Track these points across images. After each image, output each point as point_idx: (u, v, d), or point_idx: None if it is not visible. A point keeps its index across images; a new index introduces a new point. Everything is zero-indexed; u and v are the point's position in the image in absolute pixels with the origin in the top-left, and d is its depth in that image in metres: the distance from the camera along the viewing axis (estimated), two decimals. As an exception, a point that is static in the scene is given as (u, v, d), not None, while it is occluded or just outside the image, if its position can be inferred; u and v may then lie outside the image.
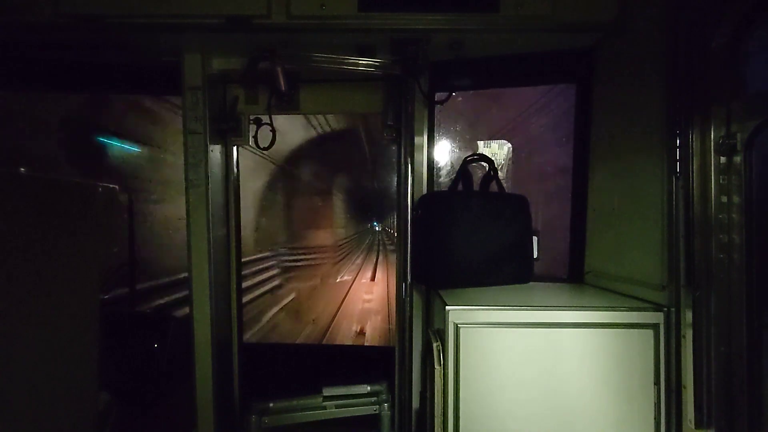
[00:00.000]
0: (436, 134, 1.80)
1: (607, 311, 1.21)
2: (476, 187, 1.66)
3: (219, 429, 1.70)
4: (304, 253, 10.03)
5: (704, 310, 1.07)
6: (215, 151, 1.69)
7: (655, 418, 1.18)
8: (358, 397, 1.75)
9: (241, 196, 1.91)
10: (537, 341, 1.20)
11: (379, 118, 1.76)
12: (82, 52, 1.69)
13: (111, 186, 1.06)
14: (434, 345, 1.30)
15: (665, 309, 1.18)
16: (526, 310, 1.22)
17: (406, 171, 1.62)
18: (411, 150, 1.62)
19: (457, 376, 1.19)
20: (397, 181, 1.71)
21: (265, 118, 1.73)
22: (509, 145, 2.96)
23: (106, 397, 1.52)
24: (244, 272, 2.09)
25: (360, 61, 1.56)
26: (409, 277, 1.62)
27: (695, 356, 1.08)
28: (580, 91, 1.70)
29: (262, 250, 7.74)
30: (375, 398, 1.76)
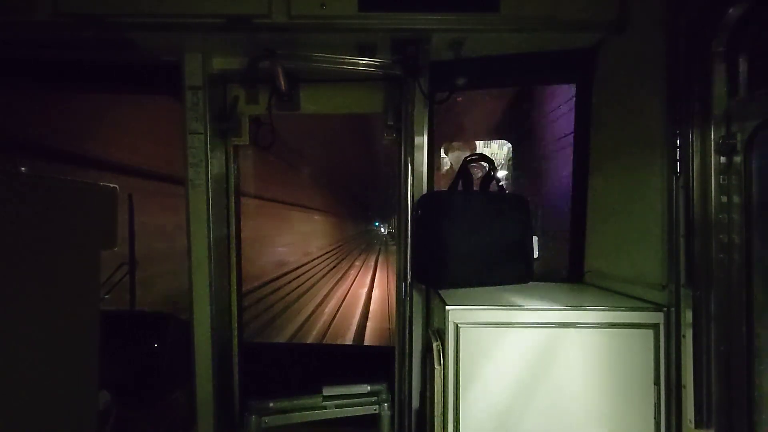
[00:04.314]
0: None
1: (607, 311, 1.21)
2: (476, 187, 1.66)
3: (219, 428, 1.70)
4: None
5: (704, 310, 1.07)
6: (215, 151, 1.69)
7: (655, 418, 1.18)
8: (358, 397, 1.74)
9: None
10: (537, 341, 1.20)
11: (380, 117, 1.76)
12: (82, 52, 1.69)
13: (111, 185, 1.06)
14: (434, 345, 1.30)
15: (665, 309, 1.18)
16: (526, 310, 1.22)
17: (406, 171, 1.62)
18: (411, 150, 1.62)
19: (457, 376, 1.19)
20: (397, 181, 1.71)
21: (266, 118, 1.73)
22: (509, 145, 2.95)
23: (106, 396, 1.52)
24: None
25: (360, 61, 1.56)
26: (409, 277, 1.62)
27: (695, 356, 1.08)
28: (581, 91, 1.70)
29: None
30: (375, 398, 1.75)
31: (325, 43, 1.54)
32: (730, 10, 1.00)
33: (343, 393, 1.73)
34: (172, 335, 1.96)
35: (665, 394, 1.17)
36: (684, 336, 1.11)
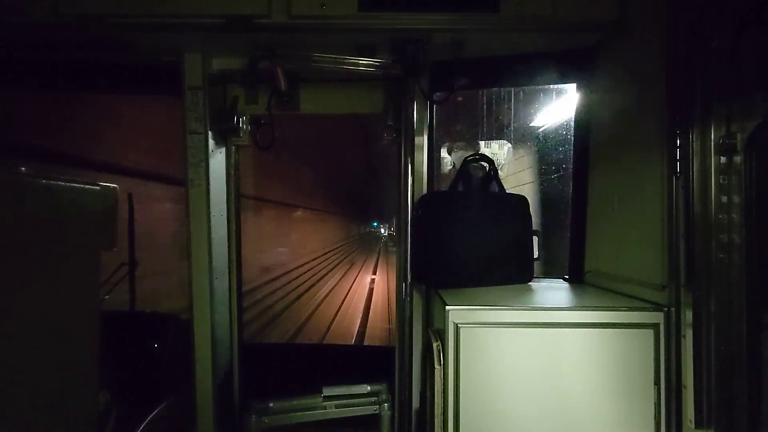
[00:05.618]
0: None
1: (607, 311, 1.21)
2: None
3: (219, 429, 1.70)
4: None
5: (704, 310, 1.07)
6: (215, 151, 1.70)
7: (655, 418, 1.18)
8: (358, 397, 1.75)
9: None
10: (537, 341, 1.20)
11: (380, 117, 1.76)
12: (81, 52, 1.69)
13: (111, 186, 1.06)
14: (434, 345, 1.30)
15: (665, 309, 1.18)
16: (526, 310, 1.22)
17: (406, 171, 1.62)
18: (411, 150, 1.62)
19: (457, 376, 1.19)
20: (397, 181, 1.71)
21: (265, 118, 1.73)
22: (509, 145, 2.95)
23: (106, 396, 1.52)
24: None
25: (360, 61, 1.56)
26: (409, 277, 1.62)
27: (695, 356, 1.08)
28: (581, 91, 1.70)
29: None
30: (375, 398, 1.75)
31: (325, 43, 1.54)
32: (730, 10, 1.00)
33: (343, 393, 1.73)
34: (172, 335, 1.95)
35: (665, 394, 1.17)
36: (684, 336, 1.11)
